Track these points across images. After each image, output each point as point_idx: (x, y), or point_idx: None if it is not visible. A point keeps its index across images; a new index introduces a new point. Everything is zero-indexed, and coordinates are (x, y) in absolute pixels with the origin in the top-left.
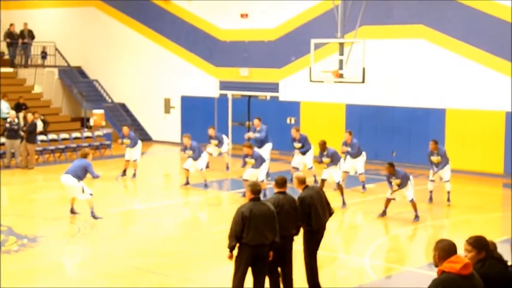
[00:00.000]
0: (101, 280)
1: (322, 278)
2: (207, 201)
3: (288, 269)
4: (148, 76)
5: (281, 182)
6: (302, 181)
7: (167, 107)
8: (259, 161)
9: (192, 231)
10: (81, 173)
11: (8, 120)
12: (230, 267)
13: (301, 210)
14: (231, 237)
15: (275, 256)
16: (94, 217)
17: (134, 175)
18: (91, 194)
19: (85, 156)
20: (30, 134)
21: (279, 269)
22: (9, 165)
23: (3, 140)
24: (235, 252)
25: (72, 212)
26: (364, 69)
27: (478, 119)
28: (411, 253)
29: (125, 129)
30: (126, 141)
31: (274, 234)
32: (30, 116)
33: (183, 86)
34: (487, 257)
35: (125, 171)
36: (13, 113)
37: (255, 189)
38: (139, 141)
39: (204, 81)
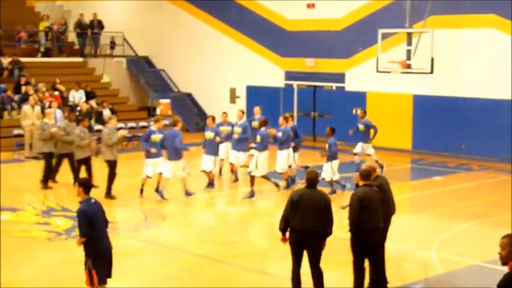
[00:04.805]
0: (165, 268)
1: (388, 270)
2: (271, 190)
3: (377, 261)
4: (215, 66)
5: (366, 175)
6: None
7: (233, 97)
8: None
9: (257, 220)
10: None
11: (78, 108)
12: None
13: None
14: (281, 220)
15: (361, 249)
16: (187, 193)
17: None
18: (188, 174)
19: (175, 124)
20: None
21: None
22: None
23: None
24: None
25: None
26: (432, 59)
27: None
28: (480, 247)
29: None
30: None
31: (326, 224)
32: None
33: (248, 76)
34: None
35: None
36: (83, 101)
37: (307, 178)
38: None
39: (269, 71)
